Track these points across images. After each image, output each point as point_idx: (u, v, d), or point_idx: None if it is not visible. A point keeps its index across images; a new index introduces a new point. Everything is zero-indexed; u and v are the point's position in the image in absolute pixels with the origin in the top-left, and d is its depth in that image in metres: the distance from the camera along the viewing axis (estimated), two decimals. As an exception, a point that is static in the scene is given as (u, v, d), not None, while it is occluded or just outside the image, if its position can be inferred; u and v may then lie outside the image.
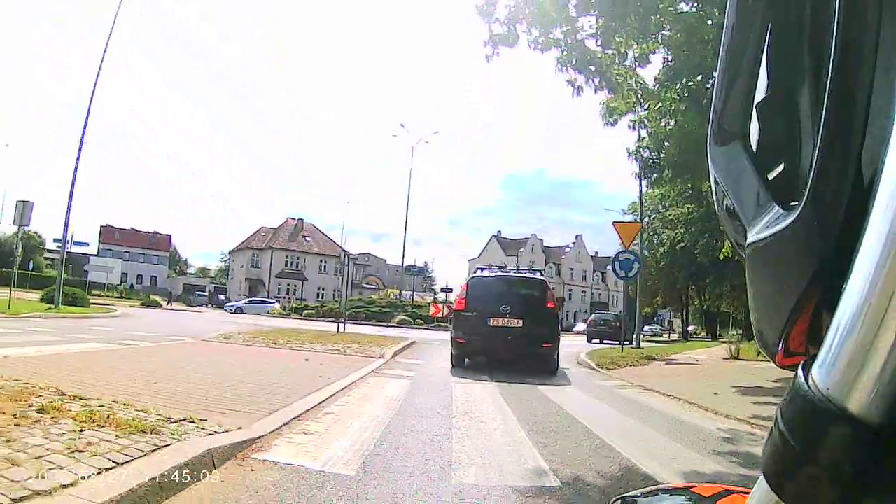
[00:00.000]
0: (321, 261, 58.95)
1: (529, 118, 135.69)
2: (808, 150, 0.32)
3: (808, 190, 0.31)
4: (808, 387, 0.28)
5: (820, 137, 0.31)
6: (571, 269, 70.78)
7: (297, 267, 58.17)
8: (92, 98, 18.83)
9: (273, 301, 47.56)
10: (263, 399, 4.96)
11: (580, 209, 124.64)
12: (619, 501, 0.67)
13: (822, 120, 0.31)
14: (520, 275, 10.35)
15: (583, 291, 71.91)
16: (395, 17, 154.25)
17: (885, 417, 0.26)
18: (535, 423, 5.09)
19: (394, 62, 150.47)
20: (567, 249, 72.09)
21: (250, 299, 49.34)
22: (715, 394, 7.69)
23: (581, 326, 52.51)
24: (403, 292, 39.72)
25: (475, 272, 10.33)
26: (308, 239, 60.32)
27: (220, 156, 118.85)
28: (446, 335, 12.23)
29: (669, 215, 37.59)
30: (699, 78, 8.46)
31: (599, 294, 73.15)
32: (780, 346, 0.35)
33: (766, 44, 0.38)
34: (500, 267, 11.51)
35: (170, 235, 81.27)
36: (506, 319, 9.08)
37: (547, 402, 6.48)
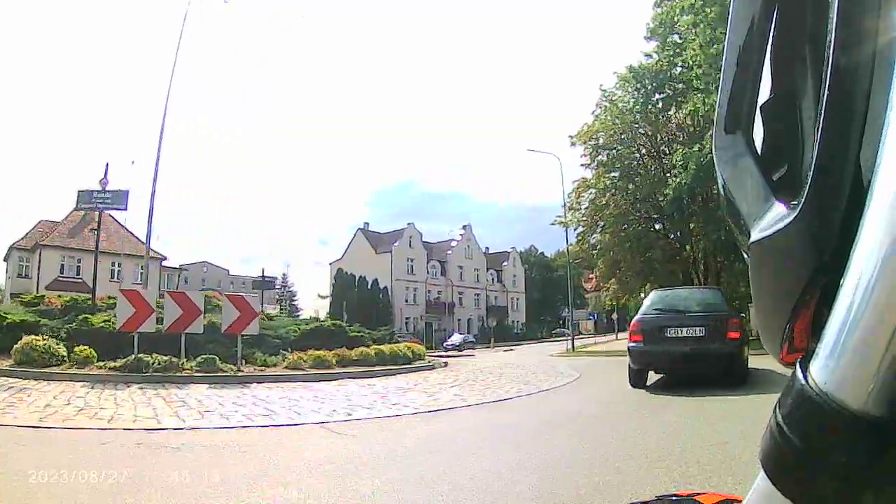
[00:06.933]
0: (113, 264, 39.64)
1: (396, 127, 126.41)
2: (811, 150, 0.32)
3: (807, 188, 0.32)
4: (807, 382, 0.29)
5: (819, 137, 0.31)
6: (460, 266, 59.02)
7: (77, 273, 39.26)
8: None
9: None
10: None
11: (449, 221, 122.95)
12: None
13: (821, 119, 0.31)
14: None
15: (476, 294, 60.57)
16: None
17: (883, 412, 0.26)
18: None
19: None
20: (453, 243, 60.23)
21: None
22: None
23: (457, 338, 35.97)
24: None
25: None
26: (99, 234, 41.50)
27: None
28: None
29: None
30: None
31: (496, 297, 62.72)
32: (784, 343, 0.35)
33: (769, 45, 0.39)
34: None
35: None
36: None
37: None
